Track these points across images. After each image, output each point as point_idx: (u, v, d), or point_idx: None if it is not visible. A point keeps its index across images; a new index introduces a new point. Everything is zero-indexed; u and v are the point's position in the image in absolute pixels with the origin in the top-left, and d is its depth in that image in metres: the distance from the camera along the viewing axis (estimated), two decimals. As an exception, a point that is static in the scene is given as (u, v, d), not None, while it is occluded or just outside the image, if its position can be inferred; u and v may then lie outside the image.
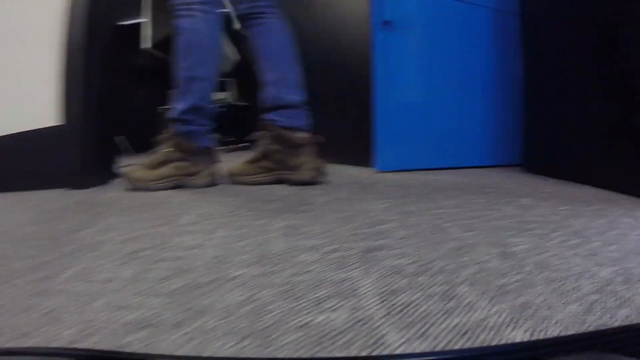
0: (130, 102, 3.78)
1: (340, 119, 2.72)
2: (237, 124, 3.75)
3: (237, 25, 3.25)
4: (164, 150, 1.74)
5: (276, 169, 1.79)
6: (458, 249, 1.04)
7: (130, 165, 1.96)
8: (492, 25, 2.91)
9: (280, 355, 0.48)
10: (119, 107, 3.03)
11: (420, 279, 0.84)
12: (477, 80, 2.90)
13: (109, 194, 1.68)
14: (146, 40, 3.04)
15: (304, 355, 0.48)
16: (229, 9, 3.31)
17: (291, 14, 3.15)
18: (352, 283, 0.81)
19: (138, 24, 3.15)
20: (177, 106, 1.69)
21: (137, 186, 1.68)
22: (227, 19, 3.32)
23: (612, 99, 2.00)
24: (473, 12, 2.83)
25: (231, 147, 3.78)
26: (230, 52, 3.23)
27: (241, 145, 3.96)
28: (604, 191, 2.05)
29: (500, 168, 2.92)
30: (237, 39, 3.35)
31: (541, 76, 2.47)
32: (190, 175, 1.76)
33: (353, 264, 0.84)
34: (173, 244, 0.94)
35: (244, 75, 3.40)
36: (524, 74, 2.62)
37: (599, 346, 0.41)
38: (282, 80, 1.84)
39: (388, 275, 0.86)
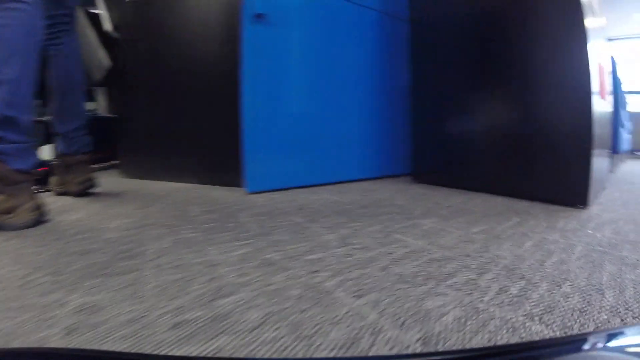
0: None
1: (207, 130, 2.37)
2: (101, 139, 3.03)
3: (107, 27, 2.64)
4: None
5: None
6: (351, 342, 0.56)
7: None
8: (380, 30, 2.71)
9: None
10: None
11: None
12: (361, 87, 2.66)
13: None
14: None
15: None
16: (100, 9, 2.77)
17: (150, 2, 2.61)
18: None
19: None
20: None
21: None
22: (97, 19, 2.83)
23: (497, 108, 1.99)
24: (360, 14, 2.58)
25: (94, 166, 3.05)
26: (102, 57, 2.76)
27: (105, 164, 3.29)
28: (500, 198, 1.92)
29: (387, 179, 2.67)
30: (109, 42, 2.75)
31: (428, 84, 2.36)
32: (6, 212, 1.37)
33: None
34: None
35: (117, 83, 2.84)
36: (411, 81, 2.47)
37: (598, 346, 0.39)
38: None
39: None
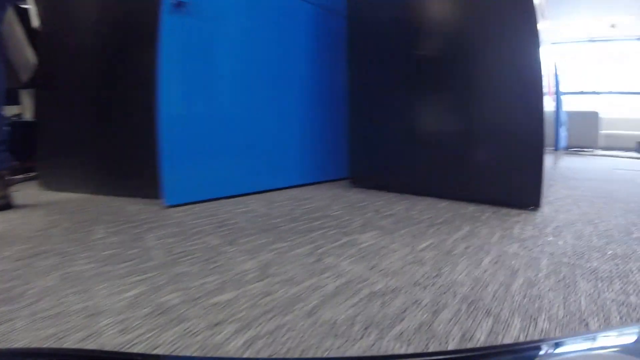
0: None
1: (129, 136, 2.10)
2: (22, 147, 2.71)
3: (36, 23, 2.40)
4: None
5: None
6: None
7: None
8: (317, 25, 2.51)
9: None
10: None
11: None
12: (295, 86, 2.46)
13: None
14: None
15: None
16: (29, 4, 2.46)
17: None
18: None
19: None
20: None
21: None
22: (26, 15, 2.46)
23: (442, 108, 1.90)
24: (294, 7, 2.38)
25: (17, 177, 2.72)
26: (29, 56, 2.51)
27: (28, 175, 2.93)
28: (446, 202, 1.78)
29: (324, 185, 2.49)
30: (37, 39, 2.47)
31: (367, 83, 2.23)
32: None
33: None
34: None
35: (41, 83, 2.47)
36: (349, 79, 2.34)
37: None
38: None
39: None
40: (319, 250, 1.11)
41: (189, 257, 1.12)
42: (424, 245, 1.11)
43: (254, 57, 2.18)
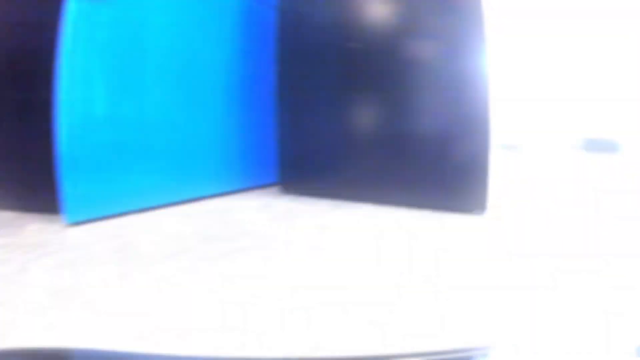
0: None
1: (30, 141, 1.90)
2: None
3: None
4: None
5: None
6: None
7: None
8: (244, 17, 2.40)
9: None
10: None
11: None
12: (219, 84, 2.33)
13: None
14: None
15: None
16: None
17: None
18: None
19: None
20: None
21: None
22: None
23: (381, 110, 1.86)
24: None
25: None
26: None
27: None
28: (384, 210, 1.70)
29: (253, 192, 2.34)
30: None
31: (298, 80, 2.14)
32: None
33: None
34: None
35: None
36: (278, 76, 2.23)
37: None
38: None
39: None
40: (233, 284, 0.91)
41: (80, 287, 0.93)
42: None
43: (173, 50, 2.07)
